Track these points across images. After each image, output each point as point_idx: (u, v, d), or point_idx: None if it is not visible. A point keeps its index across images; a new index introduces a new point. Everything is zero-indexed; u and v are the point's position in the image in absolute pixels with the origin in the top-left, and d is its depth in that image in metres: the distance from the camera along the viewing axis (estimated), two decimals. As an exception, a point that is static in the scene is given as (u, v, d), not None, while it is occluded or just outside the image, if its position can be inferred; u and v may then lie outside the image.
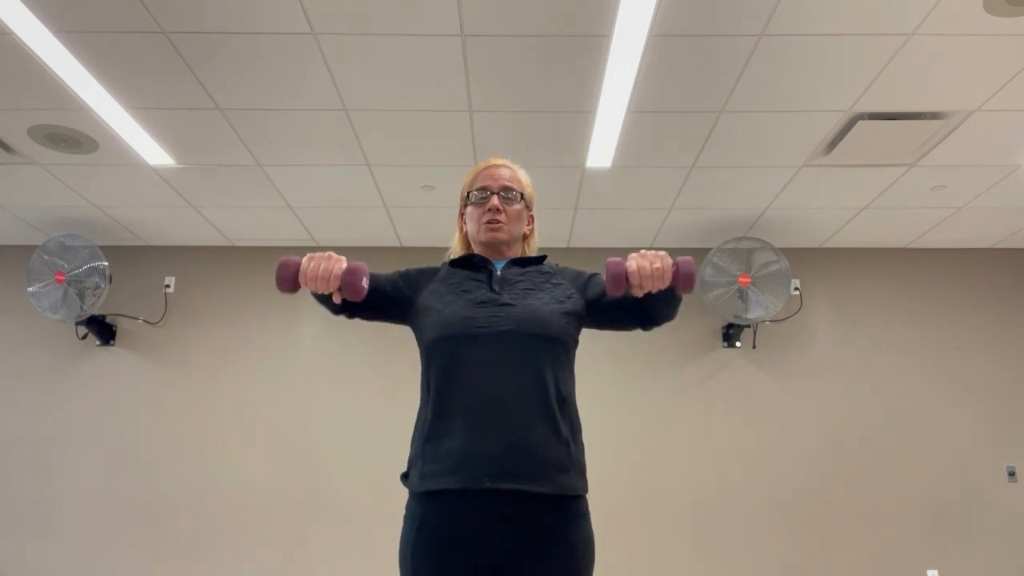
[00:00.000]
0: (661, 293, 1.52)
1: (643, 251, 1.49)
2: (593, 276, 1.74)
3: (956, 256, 4.98)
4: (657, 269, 1.46)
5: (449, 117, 3.39)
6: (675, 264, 1.48)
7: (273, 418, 4.68)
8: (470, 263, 1.75)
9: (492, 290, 1.65)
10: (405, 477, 1.61)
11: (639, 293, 1.49)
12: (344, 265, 1.50)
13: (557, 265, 1.79)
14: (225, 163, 3.83)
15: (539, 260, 1.79)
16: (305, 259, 1.50)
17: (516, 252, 1.81)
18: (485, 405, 1.52)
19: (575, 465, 1.57)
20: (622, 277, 1.46)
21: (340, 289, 1.49)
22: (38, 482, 4.59)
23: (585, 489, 1.59)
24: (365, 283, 1.51)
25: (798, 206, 4.35)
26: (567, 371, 1.63)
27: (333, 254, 1.50)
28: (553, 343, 1.60)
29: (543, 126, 3.48)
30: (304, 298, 4.89)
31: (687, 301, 4.84)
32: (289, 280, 1.49)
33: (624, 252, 5.14)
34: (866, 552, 4.46)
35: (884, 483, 4.57)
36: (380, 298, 1.69)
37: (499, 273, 1.70)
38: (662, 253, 1.48)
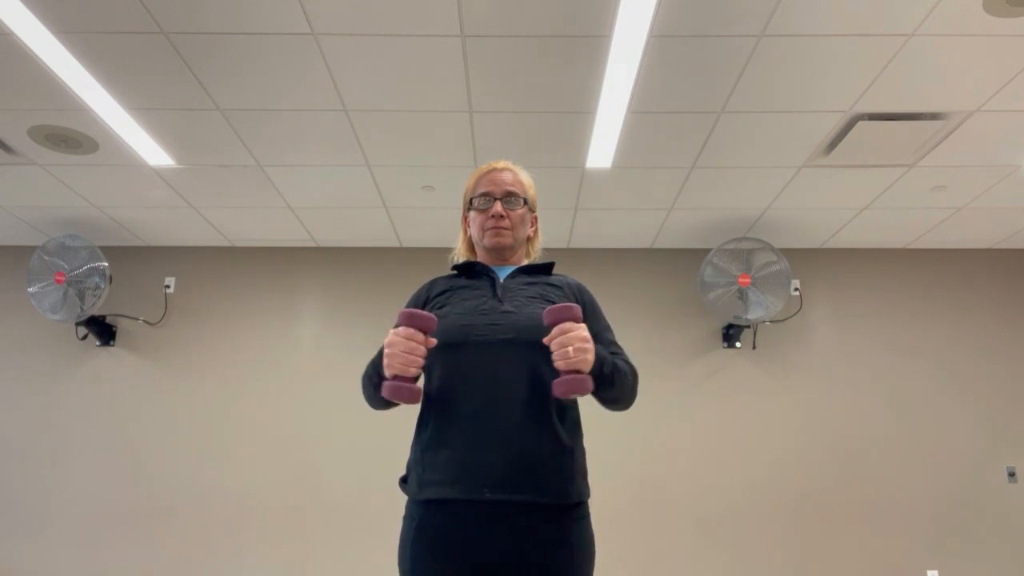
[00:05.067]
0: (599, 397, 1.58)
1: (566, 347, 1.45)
2: (587, 308, 1.70)
3: (956, 256, 4.97)
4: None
5: (449, 117, 3.39)
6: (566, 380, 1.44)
7: (273, 418, 4.68)
8: (471, 270, 1.75)
9: (495, 297, 1.65)
10: (404, 482, 1.61)
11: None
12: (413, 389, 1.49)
13: (565, 278, 1.77)
14: (225, 163, 3.83)
15: (547, 269, 1.78)
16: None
17: (520, 255, 1.81)
18: (485, 414, 1.51)
19: (577, 472, 1.56)
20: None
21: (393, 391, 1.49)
22: (38, 482, 4.59)
23: (587, 494, 1.58)
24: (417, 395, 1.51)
25: (798, 206, 4.35)
26: None
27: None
28: None
29: (543, 126, 3.47)
30: (304, 298, 4.89)
31: (687, 302, 4.86)
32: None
33: (624, 252, 5.13)
34: (866, 552, 4.46)
35: (884, 483, 4.57)
36: None
37: (503, 281, 1.70)
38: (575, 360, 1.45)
